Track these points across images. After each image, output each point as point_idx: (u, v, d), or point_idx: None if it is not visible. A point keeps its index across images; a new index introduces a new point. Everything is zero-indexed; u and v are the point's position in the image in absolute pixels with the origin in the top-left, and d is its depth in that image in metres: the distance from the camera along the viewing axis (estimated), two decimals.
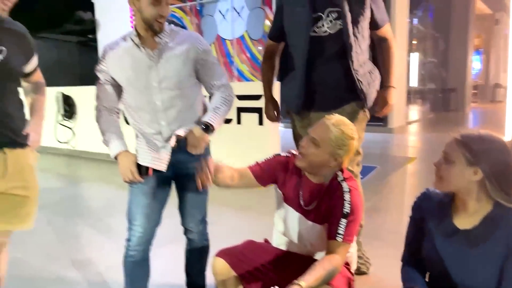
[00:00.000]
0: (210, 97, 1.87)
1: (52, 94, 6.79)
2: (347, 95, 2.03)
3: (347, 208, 1.50)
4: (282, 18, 2.14)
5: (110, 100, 1.79)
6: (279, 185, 1.72)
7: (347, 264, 1.69)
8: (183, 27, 10.76)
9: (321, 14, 1.95)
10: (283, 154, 1.72)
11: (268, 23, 9.37)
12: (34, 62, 1.78)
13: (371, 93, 2.09)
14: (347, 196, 1.52)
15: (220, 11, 10.07)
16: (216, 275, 1.62)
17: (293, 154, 1.70)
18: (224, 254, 1.63)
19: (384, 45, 2.11)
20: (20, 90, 1.75)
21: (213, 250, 1.72)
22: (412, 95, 10.46)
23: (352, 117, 1.95)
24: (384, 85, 2.12)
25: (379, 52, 2.14)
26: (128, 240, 1.79)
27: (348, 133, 1.54)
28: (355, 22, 1.93)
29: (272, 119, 2.37)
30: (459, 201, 1.33)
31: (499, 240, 1.24)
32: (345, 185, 1.55)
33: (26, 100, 1.88)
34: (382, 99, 2.12)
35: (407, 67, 9.46)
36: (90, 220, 3.60)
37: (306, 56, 2.00)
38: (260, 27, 9.54)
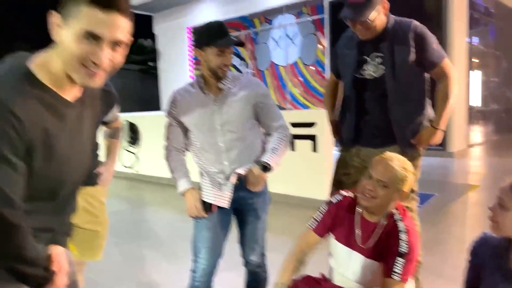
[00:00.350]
0: (266, 136, 2.02)
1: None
2: (389, 135, 2.10)
3: (403, 248, 1.55)
4: (337, 58, 2.28)
5: (178, 141, 1.99)
6: (333, 228, 1.77)
7: None
8: (238, 54, 11.18)
9: (366, 57, 2.07)
10: (334, 200, 1.79)
11: (321, 48, 9.50)
12: (114, 112, 1.99)
13: (408, 136, 2.10)
14: (403, 236, 1.57)
15: (273, 38, 10.37)
16: None
17: (344, 195, 1.77)
18: None
19: (439, 85, 2.09)
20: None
21: (273, 279, 1.81)
22: (473, 116, 10.01)
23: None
24: (431, 124, 2.11)
25: (436, 90, 2.12)
26: (193, 271, 1.95)
27: (408, 168, 1.61)
28: (398, 68, 1.99)
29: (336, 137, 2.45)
30: None
31: None
32: (401, 225, 1.60)
33: (103, 142, 2.12)
34: (420, 136, 2.09)
35: (468, 87, 9.11)
36: (154, 243, 3.82)
37: (354, 95, 2.13)
38: (312, 53, 9.69)
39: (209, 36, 1.78)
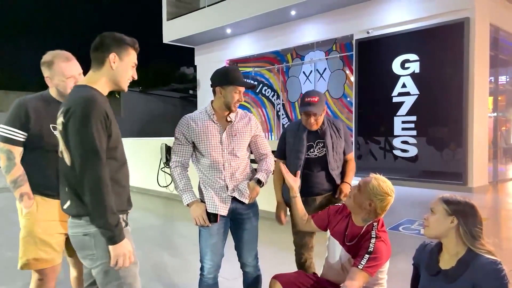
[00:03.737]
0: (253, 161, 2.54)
1: (158, 145, 8.04)
2: (330, 187, 2.83)
3: (371, 248, 2.04)
4: (285, 144, 2.91)
5: (185, 158, 2.37)
6: (330, 226, 2.33)
7: None
8: (271, 86, 11.87)
9: (312, 143, 2.78)
10: (337, 205, 2.41)
11: (348, 83, 10.00)
12: None
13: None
14: (373, 241, 2.07)
15: (304, 73, 10.99)
16: None
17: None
18: (279, 277, 2.23)
19: (347, 163, 2.93)
20: None
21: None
22: (504, 153, 10.05)
23: (329, 203, 2.77)
24: (343, 180, 2.88)
25: (345, 166, 2.94)
26: (202, 270, 2.42)
27: (383, 186, 2.09)
28: (333, 149, 2.79)
29: (280, 220, 2.85)
30: (444, 248, 1.79)
31: (467, 279, 1.67)
32: (374, 233, 2.10)
33: None
34: (339, 189, 2.83)
35: (495, 126, 9.26)
36: (179, 252, 4.40)
37: (302, 170, 2.75)
38: (340, 87, 10.20)
39: (231, 77, 2.28)
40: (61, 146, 1.73)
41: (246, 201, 2.38)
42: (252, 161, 2.54)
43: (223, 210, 2.34)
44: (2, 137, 2.15)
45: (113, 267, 1.67)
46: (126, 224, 1.80)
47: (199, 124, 2.36)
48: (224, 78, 2.32)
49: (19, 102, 2.22)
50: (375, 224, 2.12)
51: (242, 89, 2.34)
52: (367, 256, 2.00)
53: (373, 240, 2.05)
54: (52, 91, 2.27)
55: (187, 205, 2.34)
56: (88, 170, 1.58)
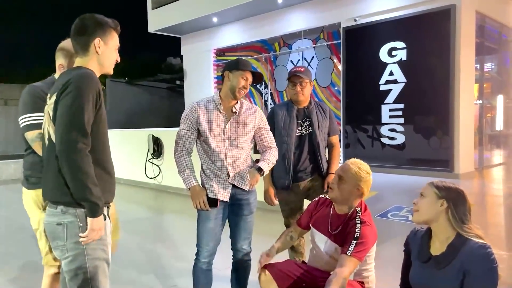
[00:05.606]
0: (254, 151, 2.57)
1: (145, 136, 7.97)
2: (313, 170, 2.96)
3: (357, 234, 2.06)
4: (274, 123, 2.96)
5: (189, 144, 2.43)
6: (312, 219, 2.33)
7: (362, 283, 2.17)
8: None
9: (300, 121, 2.93)
10: (314, 200, 2.43)
11: (336, 72, 9.99)
12: None
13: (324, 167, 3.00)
14: (358, 226, 2.09)
15: (291, 61, 10.95)
16: (261, 283, 2.21)
17: (324, 198, 2.39)
18: (269, 267, 2.22)
19: (331, 147, 3.07)
20: None
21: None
22: (489, 141, 10.20)
23: (320, 185, 2.92)
24: (327, 172, 2.96)
25: (329, 151, 3.10)
26: (197, 254, 2.44)
27: (364, 168, 2.16)
28: (319, 128, 2.93)
29: (272, 202, 2.97)
30: (434, 234, 1.80)
31: (457, 264, 1.68)
32: (358, 219, 2.12)
33: None
34: (326, 182, 2.90)
35: (481, 112, 9.37)
36: (170, 245, 4.36)
37: (292, 146, 2.90)
38: (328, 76, 10.19)
39: (241, 63, 2.37)
40: (46, 127, 1.71)
41: (247, 188, 2.43)
42: (256, 151, 2.59)
43: (224, 195, 2.39)
44: (29, 126, 2.08)
45: (83, 252, 1.66)
46: (105, 218, 1.75)
47: (205, 112, 2.41)
48: (234, 64, 2.41)
49: (30, 89, 2.15)
50: (358, 209, 2.16)
51: (249, 76, 2.38)
52: (354, 242, 2.02)
53: (358, 226, 2.08)
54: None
55: (189, 188, 2.38)
56: (69, 140, 1.57)
